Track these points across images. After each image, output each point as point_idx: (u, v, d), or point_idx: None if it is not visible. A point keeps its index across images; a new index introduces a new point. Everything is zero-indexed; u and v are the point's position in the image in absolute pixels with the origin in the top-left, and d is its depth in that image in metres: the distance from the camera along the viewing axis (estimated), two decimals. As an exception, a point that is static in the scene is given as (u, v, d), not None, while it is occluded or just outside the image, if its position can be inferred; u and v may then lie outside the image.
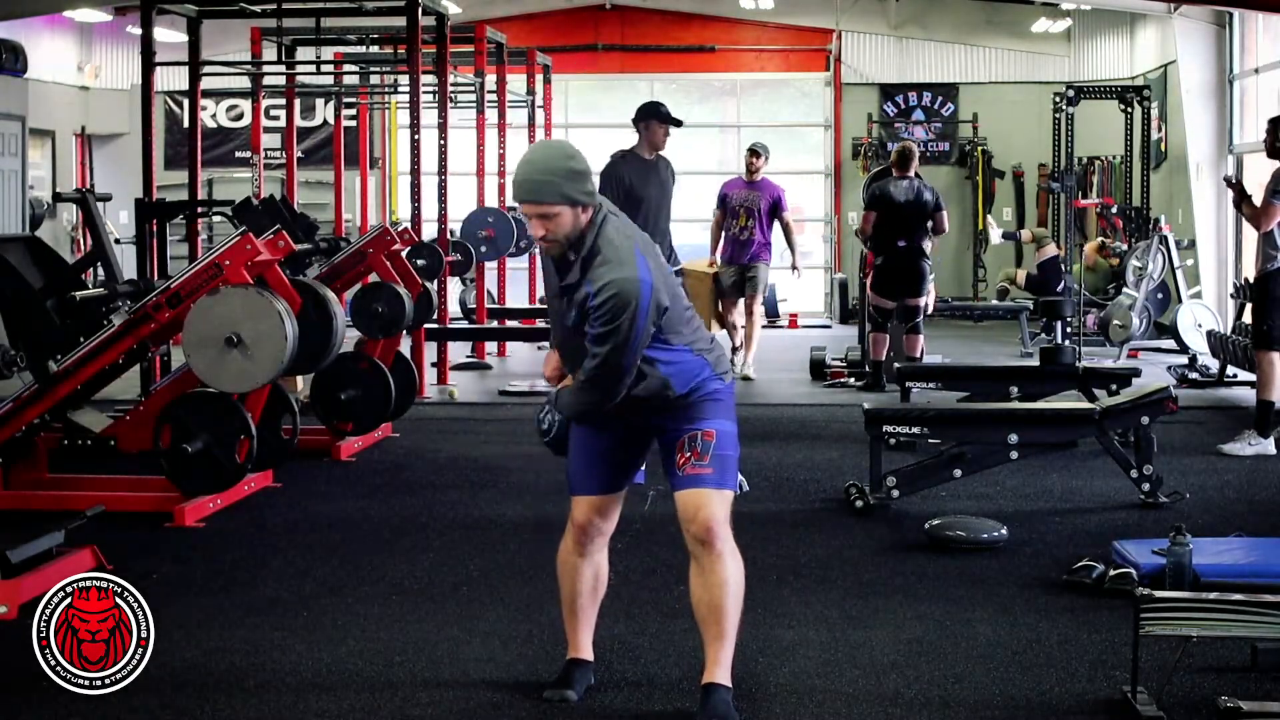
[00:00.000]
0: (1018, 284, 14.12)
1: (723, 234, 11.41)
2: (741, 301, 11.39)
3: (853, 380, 10.93)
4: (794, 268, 11.77)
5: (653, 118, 7.56)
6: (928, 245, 10.48)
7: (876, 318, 10.60)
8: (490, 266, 13.12)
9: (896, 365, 9.38)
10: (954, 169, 17.71)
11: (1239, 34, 13.48)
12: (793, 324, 16.42)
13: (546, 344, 4.40)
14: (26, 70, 14.54)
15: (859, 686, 4.20)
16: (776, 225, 11.39)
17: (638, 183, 7.48)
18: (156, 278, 7.88)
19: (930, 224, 10.41)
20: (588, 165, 3.78)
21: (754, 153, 11.37)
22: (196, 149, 10.69)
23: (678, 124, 7.63)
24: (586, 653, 4.17)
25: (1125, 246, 13.77)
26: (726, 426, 3.91)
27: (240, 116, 17.36)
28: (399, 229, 8.95)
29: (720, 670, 3.89)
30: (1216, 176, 13.55)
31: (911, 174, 10.51)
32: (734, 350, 11.25)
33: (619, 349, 3.69)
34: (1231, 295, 11.70)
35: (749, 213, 11.29)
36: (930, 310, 10.80)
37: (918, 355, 10.47)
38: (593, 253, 3.72)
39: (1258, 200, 8.02)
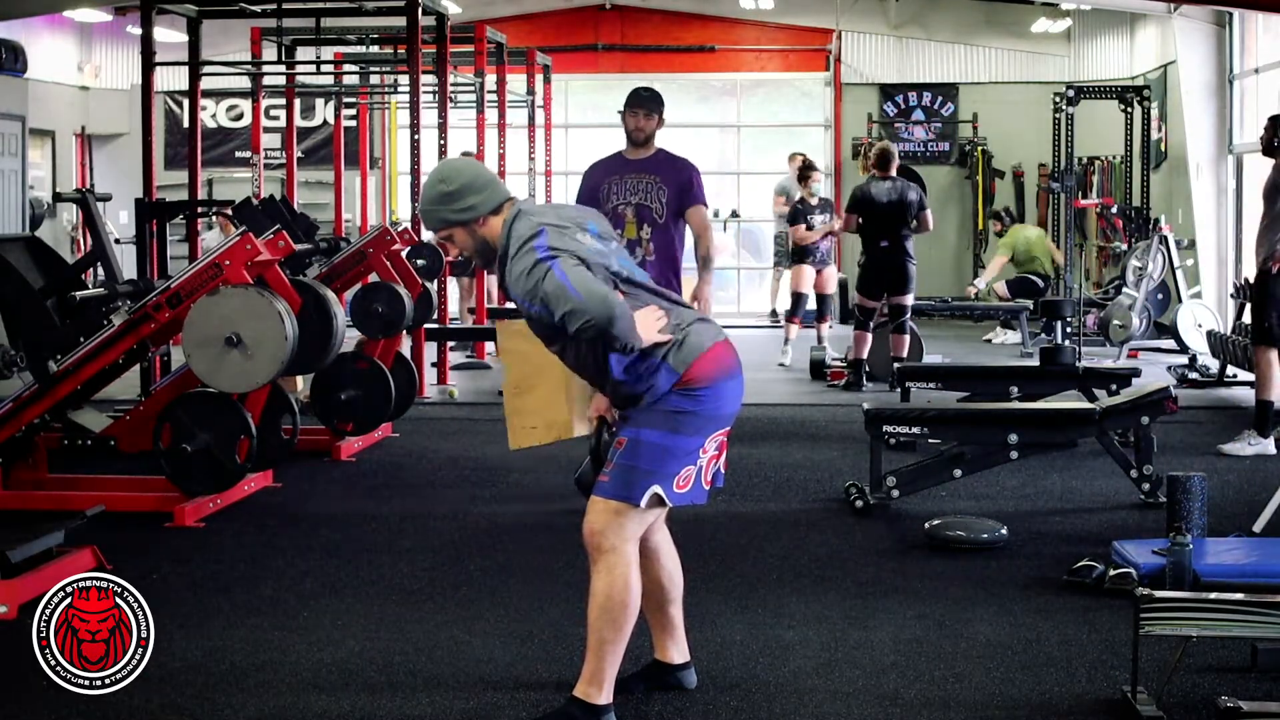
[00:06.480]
0: (1000, 296, 14.16)
1: None
2: None
3: (836, 381, 10.87)
4: (694, 299, 6.01)
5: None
6: (911, 245, 10.49)
7: (859, 316, 10.65)
8: (490, 266, 13.09)
9: (896, 365, 9.37)
10: (954, 169, 17.69)
11: (1239, 34, 13.47)
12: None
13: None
14: (26, 70, 14.52)
15: (859, 686, 4.20)
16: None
17: None
18: (156, 278, 7.88)
19: (915, 223, 10.45)
20: (465, 180, 3.70)
21: (637, 104, 6.39)
22: (196, 149, 10.69)
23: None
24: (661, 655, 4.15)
25: (1125, 246, 13.77)
26: (644, 435, 3.70)
27: (240, 116, 17.35)
28: (399, 229, 8.95)
29: (580, 682, 3.79)
30: (1216, 176, 13.55)
31: (893, 174, 10.58)
32: None
33: (571, 306, 3.51)
34: (1231, 295, 11.69)
35: (640, 213, 6.35)
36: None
37: (904, 355, 10.47)
38: (505, 254, 3.70)
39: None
